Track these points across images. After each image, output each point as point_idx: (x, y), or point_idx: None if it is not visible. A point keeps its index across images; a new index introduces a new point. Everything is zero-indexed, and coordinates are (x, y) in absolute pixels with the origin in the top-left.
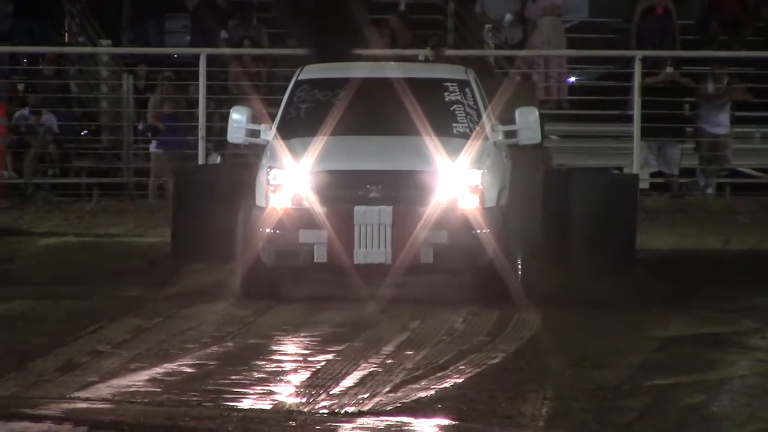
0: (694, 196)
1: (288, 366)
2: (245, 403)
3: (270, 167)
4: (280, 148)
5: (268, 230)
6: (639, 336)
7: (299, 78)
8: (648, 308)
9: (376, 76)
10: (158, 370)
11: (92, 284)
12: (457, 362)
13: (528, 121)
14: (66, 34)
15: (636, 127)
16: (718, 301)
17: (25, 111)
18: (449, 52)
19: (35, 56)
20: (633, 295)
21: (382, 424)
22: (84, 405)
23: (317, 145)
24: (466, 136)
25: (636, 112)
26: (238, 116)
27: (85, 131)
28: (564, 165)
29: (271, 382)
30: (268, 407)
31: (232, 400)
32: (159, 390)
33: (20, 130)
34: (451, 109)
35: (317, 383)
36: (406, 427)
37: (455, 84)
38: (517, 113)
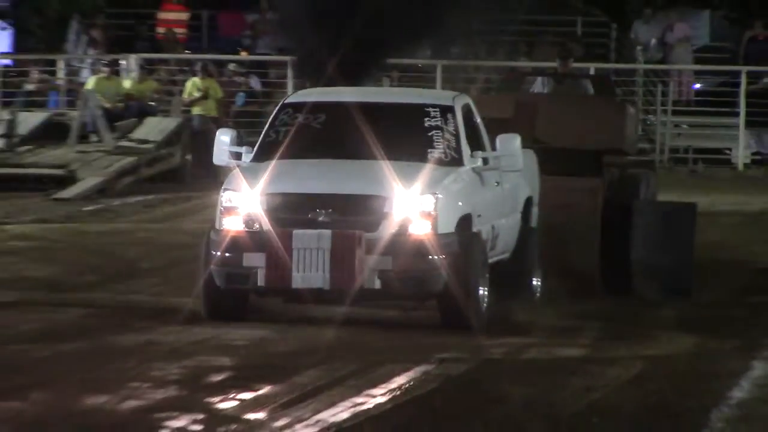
0: None
1: None
2: None
3: (225, 189)
4: (241, 170)
5: (218, 253)
6: (737, 268)
7: (285, 102)
8: (747, 246)
9: (358, 101)
10: None
11: None
12: None
13: (509, 148)
14: None
15: (741, 119)
16: None
17: None
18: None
19: None
20: (735, 237)
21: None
22: None
23: (277, 168)
24: (436, 162)
25: (741, 109)
26: (224, 138)
27: None
28: (691, 146)
29: None
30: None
31: None
32: None
33: None
34: (429, 134)
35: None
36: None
37: (437, 110)
38: (499, 140)
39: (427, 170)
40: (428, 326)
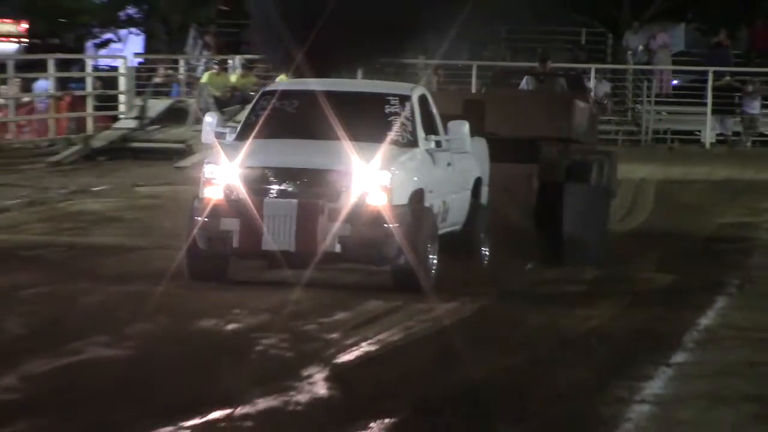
0: (739, 147)
1: None
2: None
3: (207, 163)
4: (222, 147)
5: (200, 218)
6: (706, 221)
7: (264, 90)
8: (713, 206)
9: (328, 90)
10: None
11: None
12: None
13: (458, 132)
14: None
15: (708, 108)
16: (751, 203)
17: None
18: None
19: None
20: (703, 199)
21: None
22: None
23: (253, 145)
24: (393, 143)
25: (708, 100)
26: (210, 120)
27: None
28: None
29: None
30: None
31: None
32: None
33: None
34: (388, 119)
35: None
36: None
37: (397, 98)
38: (449, 126)
39: (385, 150)
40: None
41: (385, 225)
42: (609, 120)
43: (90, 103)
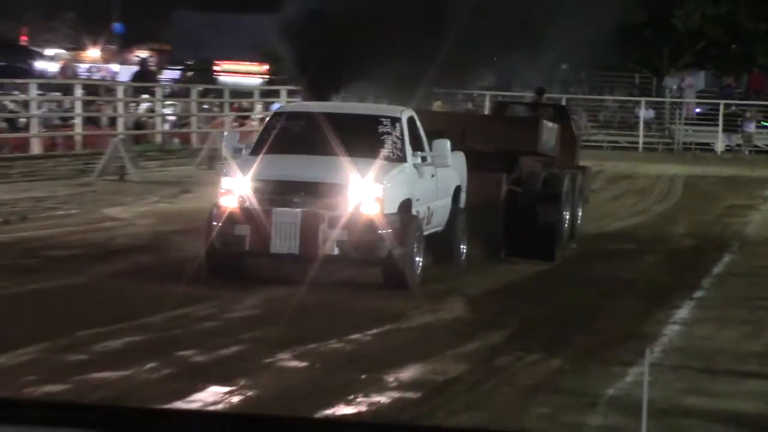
0: (740, 155)
1: None
2: None
3: (224, 175)
4: (237, 161)
5: (217, 224)
6: (715, 204)
7: (276, 111)
8: (722, 193)
9: (330, 111)
10: None
11: None
12: None
13: (440, 149)
14: None
15: (720, 127)
16: (748, 192)
17: None
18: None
19: None
20: (715, 188)
21: None
22: None
23: (264, 160)
24: (385, 158)
25: (720, 122)
26: (228, 138)
27: None
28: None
29: None
30: None
31: None
32: None
33: None
34: (381, 138)
35: None
36: None
37: (388, 119)
38: (434, 144)
39: (378, 165)
40: None
41: (378, 231)
42: (653, 135)
43: None
